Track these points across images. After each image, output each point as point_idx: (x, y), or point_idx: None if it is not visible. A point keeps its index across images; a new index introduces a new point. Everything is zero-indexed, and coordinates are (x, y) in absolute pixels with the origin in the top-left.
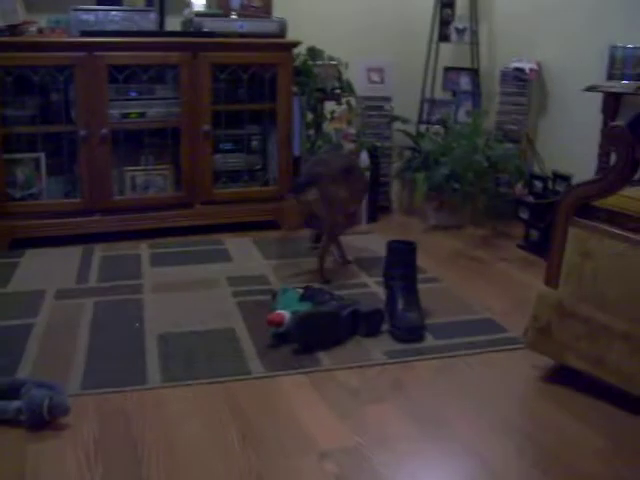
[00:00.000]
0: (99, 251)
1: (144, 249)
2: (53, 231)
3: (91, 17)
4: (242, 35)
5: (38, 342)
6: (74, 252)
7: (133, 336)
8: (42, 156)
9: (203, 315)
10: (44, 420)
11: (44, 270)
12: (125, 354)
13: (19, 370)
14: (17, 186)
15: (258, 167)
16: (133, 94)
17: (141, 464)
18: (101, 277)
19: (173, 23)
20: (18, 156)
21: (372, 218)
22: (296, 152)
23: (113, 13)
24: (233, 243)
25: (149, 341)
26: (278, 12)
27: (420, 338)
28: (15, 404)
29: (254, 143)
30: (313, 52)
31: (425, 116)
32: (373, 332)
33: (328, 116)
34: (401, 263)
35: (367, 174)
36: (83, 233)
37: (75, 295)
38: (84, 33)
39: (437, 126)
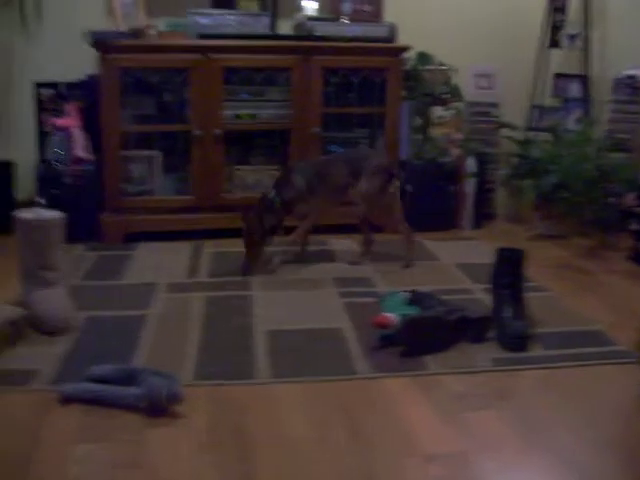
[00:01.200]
0: (208, 247)
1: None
2: (165, 226)
3: (208, 21)
4: (352, 39)
5: (152, 332)
6: (184, 247)
7: (243, 331)
8: (158, 154)
9: (310, 314)
10: (161, 408)
11: (156, 264)
12: (235, 348)
13: (134, 358)
14: (132, 182)
15: None
16: (245, 96)
17: (251, 456)
18: (211, 272)
19: (285, 27)
20: (135, 153)
21: (477, 224)
22: (403, 156)
23: (228, 17)
24: (338, 244)
25: (258, 337)
26: (389, 17)
27: (526, 347)
28: (135, 391)
29: (362, 146)
30: (423, 57)
31: (534, 123)
32: (480, 339)
33: (436, 121)
34: (510, 271)
35: (472, 180)
36: (193, 229)
37: (186, 289)
38: (201, 36)
39: (545, 133)
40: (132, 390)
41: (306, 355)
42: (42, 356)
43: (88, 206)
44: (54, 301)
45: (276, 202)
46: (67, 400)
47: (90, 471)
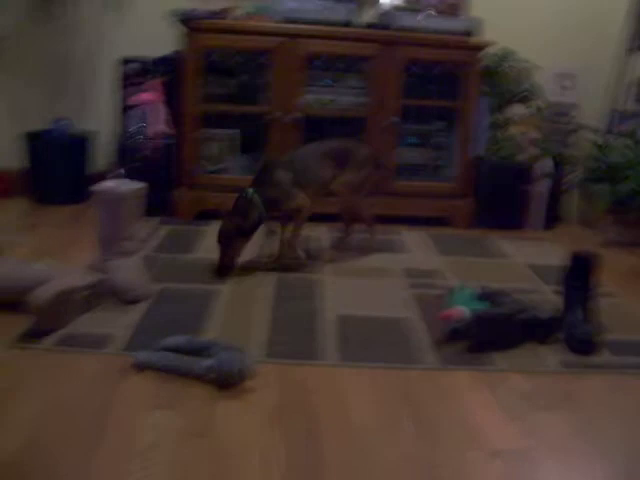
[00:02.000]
0: (278, 229)
1: (325, 232)
2: None
3: (293, 5)
4: (433, 32)
5: (222, 308)
6: None
7: (313, 314)
8: (236, 133)
9: (380, 302)
10: (232, 381)
11: None
12: (305, 330)
13: (206, 331)
14: (209, 160)
15: (439, 163)
16: (326, 82)
17: (318, 436)
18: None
19: (368, 16)
20: (214, 132)
21: (547, 226)
22: (479, 152)
23: (313, 2)
24: (409, 235)
25: (328, 320)
26: (475, 11)
27: (594, 351)
28: (207, 363)
29: (437, 139)
30: (505, 53)
31: (613, 127)
32: (548, 340)
33: (513, 119)
34: (582, 275)
35: (546, 181)
36: None
37: (258, 268)
38: (286, 20)
39: (624, 138)
40: (204, 362)
41: (374, 342)
42: (116, 322)
43: (164, 180)
44: (130, 270)
45: (256, 200)
46: (141, 367)
47: (162, 438)
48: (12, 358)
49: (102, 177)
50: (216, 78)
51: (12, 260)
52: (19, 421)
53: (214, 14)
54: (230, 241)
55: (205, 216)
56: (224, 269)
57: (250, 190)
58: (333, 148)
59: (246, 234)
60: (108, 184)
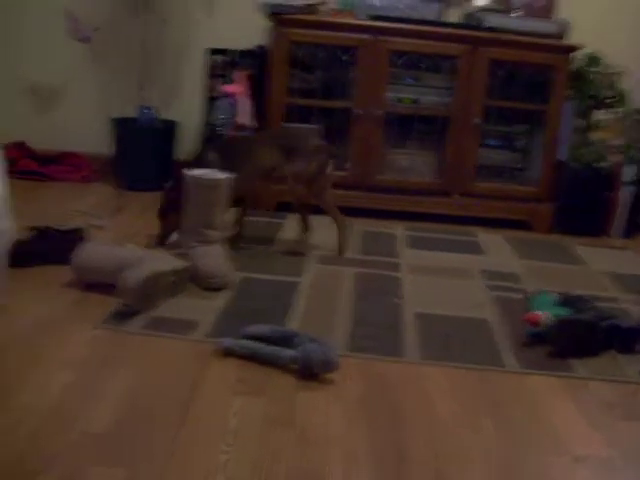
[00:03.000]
0: (358, 225)
1: (400, 230)
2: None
3: (379, 2)
4: (521, 33)
5: (304, 299)
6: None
7: (392, 310)
8: (319, 128)
9: (458, 302)
10: (315, 372)
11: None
12: (385, 325)
13: (287, 322)
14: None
15: (520, 166)
16: (409, 80)
17: (400, 430)
18: (360, 250)
19: (454, 15)
20: (297, 126)
21: (627, 234)
22: (561, 157)
23: (400, 0)
24: (486, 237)
25: (407, 318)
26: (563, 12)
27: None
28: (290, 352)
29: (520, 142)
30: (592, 59)
31: None
32: (628, 349)
33: (597, 124)
34: None
35: (629, 188)
36: (345, 206)
37: (337, 262)
38: (372, 17)
39: None
40: (288, 351)
41: (454, 342)
42: (201, 309)
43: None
44: (214, 258)
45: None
46: (226, 353)
47: (246, 424)
48: (101, 338)
49: (186, 165)
50: (301, 72)
51: (102, 243)
52: (110, 397)
53: (302, 9)
54: (165, 216)
55: (285, 208)
56: (161, 240)
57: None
58: (279, 136)
59: (179, 210)
60: (198, 171)
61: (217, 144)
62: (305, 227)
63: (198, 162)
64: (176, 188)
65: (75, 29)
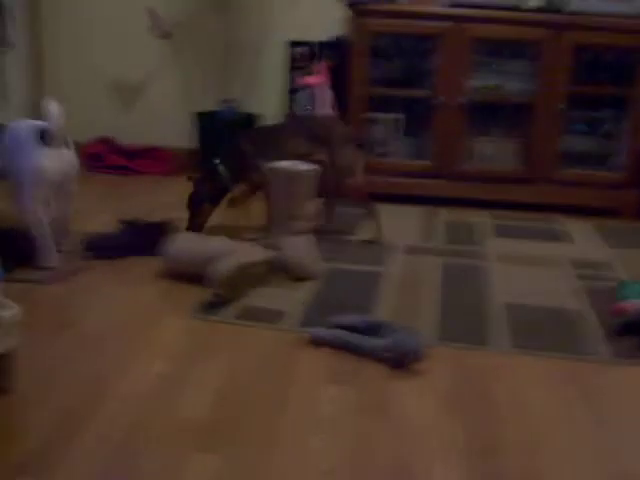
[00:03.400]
0: (442, 214)
1: (485, 218)
2: (399, 189)
3: None
4: (604, 16)
5: (391, 289)
6: (418, 212)
7: (481, 300)
8: (401, 118)
9: (548, 292)
10: (406, 362)
11: (391, 224)
12: (475, 315)
13: (375, 312)
14: (374, 143)
15: (606, 152)
16: (492, 67)
17: (496, 420)
18: (446, 239)
19: (537, 0)
20: (379, 115)
21: None
22: None
23: None
24: (572, 225)
25: (497, 307)
26: None
27: None
28: (382, 342)
29: (605, 127)
30: None
31: None
32: None
33: None
34: None
35: None
36: (428, 195)
37: (423, 252)
38: (453, 5)
39: None
40: (379, 341)
41: (546, 331)
42: (289, 299)
43: None
44: (301, 249)
45: (221, 170)
46: (317, 343)
47: (341, 412)
48: (194, 327)
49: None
50: (381, 61)
51: (191, 235)
52: (207, 385)
53: None
54: (197, 207)
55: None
56: (195, 228)
57: (216, 160)
58: (307, 124)
59: (212, 201)
60: (285, 163)
61: (251, 134)
62: (330, 216)
63: (233, 152)
64: (207, 179)
65: (156, 25)
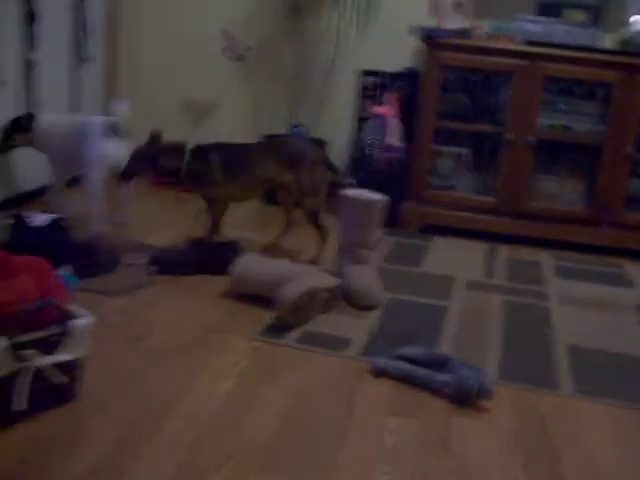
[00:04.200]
0: (503, 251)
1: (546, 258)
2: (461, 223)
3: (535, 27)
4: None
5: (453, 324)
6: (479, 247)
7: (542, 340)
8: (467, 152)
9: (611, 336)
10: (468, 399)
11: (452, 258)
12: (536, 356)
13: (437, 345)
14: (438, 176)
15: None
16: (562, 106)
17: (556, 466)
18: (507, 276)
19: (611, 41)
20: (445, 149)
21: None
22: None
23: (556, 25)
24: (637, 270)
25: (559, 349)
26: None
27: None
28: (443, 377)
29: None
30: None
31: None
32: None
33: None
34: None
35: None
36: (488, 231)
37: (484, 288)
38: (527, 42)
39: None
40: (441, 375)
41: (610, 377)
42: (352, 326)
43: (392, 192)
44: (366, 278)
45: (188, 155)
46: (379, 373)
47: (404, 444)
48: (258, 349)
49: (332, 184)
50: (451, 95)
51: (258, 256)
52: (270, 408)
53: (456, 33)
54: (142, 161)
55: (429, 230)
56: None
57: (187, 155)
58: (279, 145)
59: (155, 167)
60: (354, 192)
61: (223, 147)
62: (286, 229)
63: (198, 156)
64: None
65: (231, 48)
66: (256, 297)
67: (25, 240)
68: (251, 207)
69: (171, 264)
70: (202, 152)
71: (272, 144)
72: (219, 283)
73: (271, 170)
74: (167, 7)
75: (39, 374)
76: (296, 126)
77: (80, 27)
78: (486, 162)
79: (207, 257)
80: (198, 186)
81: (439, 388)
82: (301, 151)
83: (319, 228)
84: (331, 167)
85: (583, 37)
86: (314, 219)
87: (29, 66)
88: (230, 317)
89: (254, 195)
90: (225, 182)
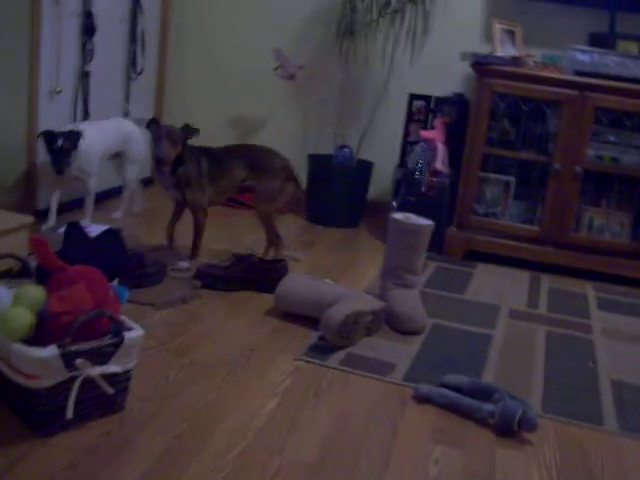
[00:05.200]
0: (546, 281)
1: (590, 290)
2: (505, 251)
3: (586, 58)
4: None
5: (497, 353)
6: (522, 276)
7: (586, 374)
8: (513, 180)
9: None
10: (512, 430)
11: (496, 286)
12: (579, 390)
13: (481, 374)
14: (483, 203)
15: None
16: (612, 138)
17: None
18: (550, 307)
19: None
20: (491, 176)
21: None
22: None
23: (608, 57)
24: None
25: (603, 384)
26: None
27: None
28: (488, 407)
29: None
30: None
31: None
32: None
33: None
34: None
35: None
36: (532, 260)
37: (527, 318)
38: (578, 73)
39: None
40: (486, 405)
41: None
42: (396, 351)
43: (436, 217)
44: (411, 302)
45: (189, 150)
46: (423, 399)
47: (448, 474)
48: (302, 369)
49: (376, 206)
50: (499, 123)
51: (304, 276)
52: (313, 429)
53: (509, 61)
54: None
55: (472, 257)
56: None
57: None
58: (246, 151)
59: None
60: (402, 216)
61: (204, 149)
62: (272, 241)
63: (190, 159)
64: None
65: (283, 67)
66: (300, 316)
67: (79, 250)
68: (296, 225)
69: (217, 279)
70: (194, 154)
71: (240, 149)
72: (264, 300)
73: (241, 174)
74: (217, 24)
75: (89, 384)
76: (343, 147)
77: (134, 40)
78: (532, 191)
79: (253, 274)
80: (188, 189)
81: (484, 418)
82: (266, 158)
83: (271, 234)
84: (293, 180)
85: (636, 69)
86: (266, 223)
87: (84, 77)
88: (275, 335)
89: (224, 199)
90: (208, 186)
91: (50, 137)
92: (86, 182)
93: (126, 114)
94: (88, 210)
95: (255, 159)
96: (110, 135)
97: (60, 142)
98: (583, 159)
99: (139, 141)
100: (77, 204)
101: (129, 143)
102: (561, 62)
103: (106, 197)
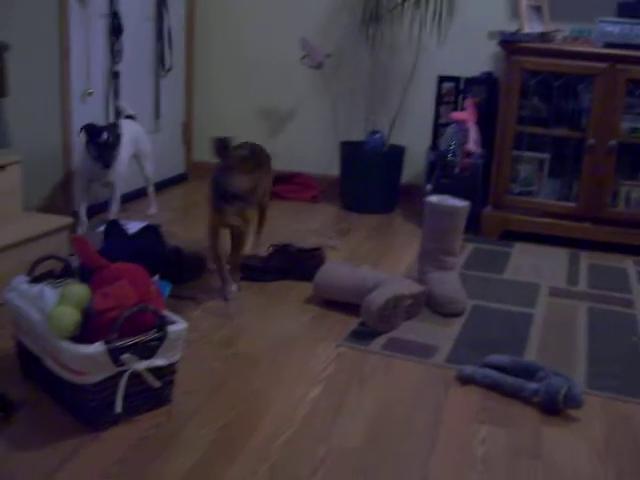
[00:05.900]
0: (585, 258)
1: (630, 264)
2: (542, 229)
3: (616, 29)
4: None
5: (538, 332)
6: (560, 253)
7: (631, 349)
8: (547, 157)
9: None
10: (557, 407)
11: (534, 265)
12: (625, 365)
13: (524, 354)
14: (518, 182)
15: None
16: None
17: None
18: (590, 283)
19: None
20: (525, 154)
21: None
22: None
23: (638, 27)
24: None
25: None
26: None
27: None
28: (532, 385)
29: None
30: None
31: None
32: None
33: None
34: None
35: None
36: (570, 237)
37: (568, 295)
38: (608, 45)
39: None
40: (530, 384)
41: None
42: (437, 334)
43: (471, 198)
44: (450, 284)
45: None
46: (466, 381)
47: (495, 453)
48: (344, 355)
49: (410, 190)
50: (530, 100)
51: (341, 263)
52: (358, 414)
53: (537, 37)
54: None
55: (509, 236)
56: None
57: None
58: (253, 151)
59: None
60: (438, 198)
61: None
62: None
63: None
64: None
65: (310, 56)
66: (340, 303)
67: (120, 247)
68: (330, 213)
69: (255, 270)
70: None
71: (244, 150)
72: (303, 289)
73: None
74: (242, 17)
75: (135, 378)
76: (374, 132)
77: (161, 38)
78: (567, 167)
79: (291, 264)
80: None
81: (528, 397)
82: (260, 154)
83: (261, 225)
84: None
85: None
86: (264, 216)
87: (114, 77)
88: (315, 323)
89: None
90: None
91: (94, 131)
92: (114, 184)
93: (119, 112)
94: (113, 212)
95: (258, 158)
96: (129, 136)
97: (105, 135)
98: (617, 132)
99: (147, 139)
100: (102, 208)
101: (140, 142)
102: (590, 35)
103: (126, 200)
